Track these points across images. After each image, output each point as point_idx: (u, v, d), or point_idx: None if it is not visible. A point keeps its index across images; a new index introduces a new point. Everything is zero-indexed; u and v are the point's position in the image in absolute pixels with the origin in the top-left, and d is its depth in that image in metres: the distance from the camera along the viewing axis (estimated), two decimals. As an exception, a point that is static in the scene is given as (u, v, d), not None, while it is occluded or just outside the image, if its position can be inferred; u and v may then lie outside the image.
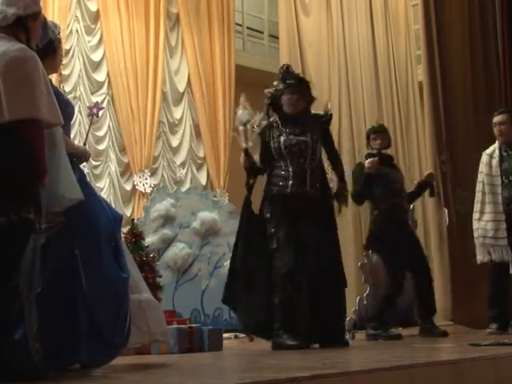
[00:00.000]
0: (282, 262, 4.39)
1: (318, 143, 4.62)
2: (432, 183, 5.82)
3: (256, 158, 4.62)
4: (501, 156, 5.62)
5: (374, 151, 5.64)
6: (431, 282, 5.73)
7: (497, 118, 5.70)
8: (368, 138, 5.82)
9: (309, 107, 4.73)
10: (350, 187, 5.06)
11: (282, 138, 4.57)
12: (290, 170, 4.53)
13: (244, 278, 4.51)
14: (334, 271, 4.56)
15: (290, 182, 4.51)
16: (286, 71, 4.79)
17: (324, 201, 4.63)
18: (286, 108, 4.64)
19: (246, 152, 4.55)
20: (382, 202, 5.51)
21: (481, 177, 5.69)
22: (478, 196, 5.67)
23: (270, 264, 4.48)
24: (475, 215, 5.66)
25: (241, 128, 4.56)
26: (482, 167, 5.69)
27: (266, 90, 4.71)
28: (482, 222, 5.60)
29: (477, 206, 5.67)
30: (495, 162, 5.62)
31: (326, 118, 4.74)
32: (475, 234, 5.65)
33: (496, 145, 5.70)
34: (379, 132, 5.74)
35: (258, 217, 4.58)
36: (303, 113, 4.66)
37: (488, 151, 5.72)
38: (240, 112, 4.59)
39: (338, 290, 4.58)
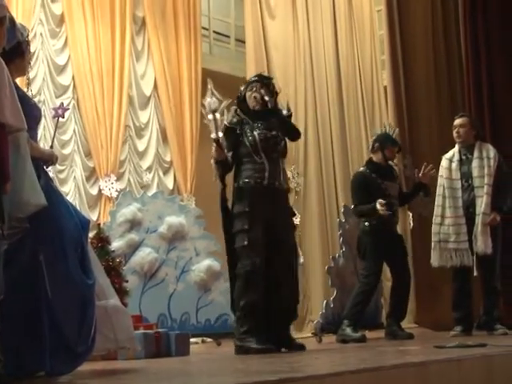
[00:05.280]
0: (250, 261, 4.37)
1: (284, 138, 4.65)
2: (426, 184, 5.75)
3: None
4: (460, 160, 5.70)
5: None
6: (409, 292, 5.79)
7: (457, 121, 5.79)
8: (374, 146, 5.80)
9: (275, 103, 4.70)
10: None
11: (255, 133, 4.54)
12: (266, 163, 4.50)
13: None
14: (293, 273, 4.58)
15: (266, 174, 4.49)
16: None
17: (286, 195, 4.70)
18: (250, 103, 4.63)
19: (218, 143, 4.40)
20: (373, 218, 5.54)
21: (441, 180, 5.76)
22: (439, 200, 5.74)
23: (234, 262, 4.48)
24: (436, 219, 5.73)
25: (210, 117, 4.40)
26: (442, 171, 5.77)
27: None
28: (444, 227, 5.66)
29: (438, 210, 5.74)
30: (455, 165, 5.70)
31: (289, 115, 4.72)
32: (435, 238, 5.71)
33: (456, 149, 5.77)
34: (396, 145, 5.78)
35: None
36: (270, 109, 4.62)
37: (447, 155, 5.79)
38: (208, 99, 4.43)
39: (294, 293, 4.60)
